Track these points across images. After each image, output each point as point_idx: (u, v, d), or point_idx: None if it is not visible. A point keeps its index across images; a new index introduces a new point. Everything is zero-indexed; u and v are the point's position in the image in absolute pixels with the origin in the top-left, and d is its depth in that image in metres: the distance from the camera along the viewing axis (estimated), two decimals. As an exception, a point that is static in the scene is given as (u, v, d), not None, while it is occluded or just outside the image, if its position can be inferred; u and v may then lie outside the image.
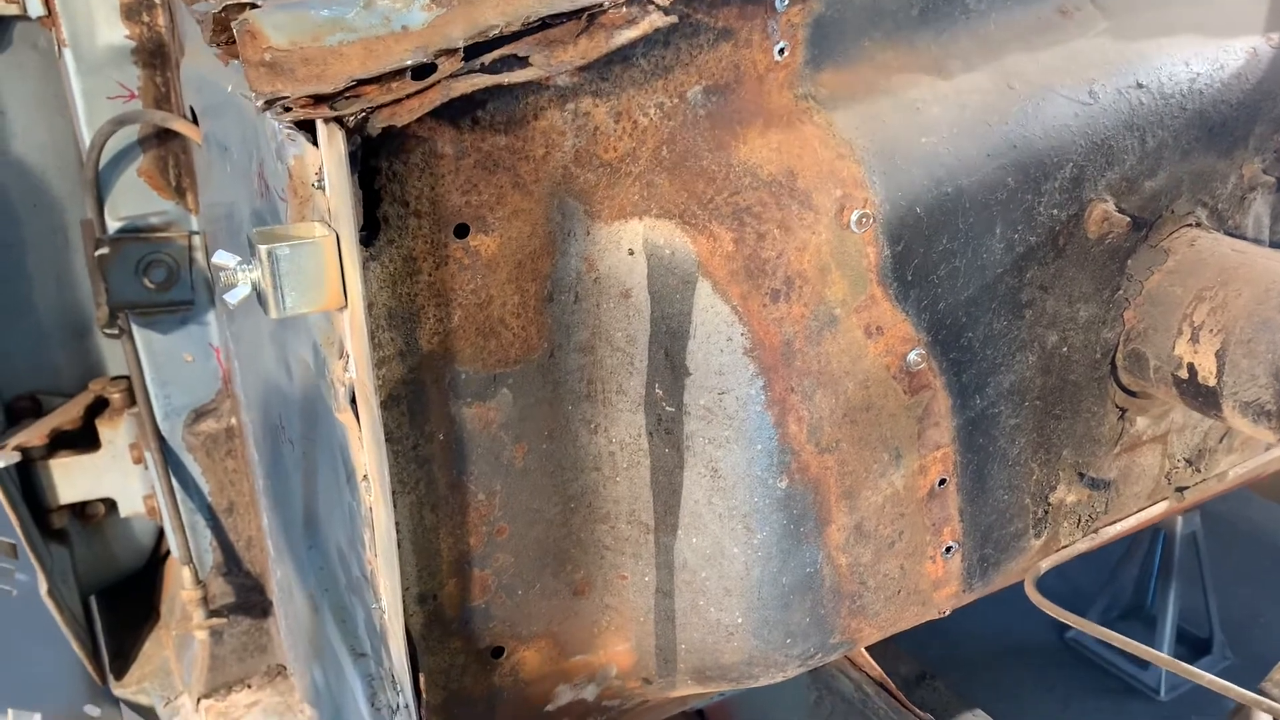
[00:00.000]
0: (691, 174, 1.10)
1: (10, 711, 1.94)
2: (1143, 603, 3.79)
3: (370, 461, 1.04)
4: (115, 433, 1.86)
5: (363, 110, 0.94)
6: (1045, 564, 1.42)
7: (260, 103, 0.97)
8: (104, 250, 1.58)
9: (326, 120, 0.93)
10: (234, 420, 1.75)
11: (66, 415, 1.85)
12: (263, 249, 0.95)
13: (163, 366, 1.72)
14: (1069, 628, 3.83)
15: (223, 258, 0.98)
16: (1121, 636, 1.35)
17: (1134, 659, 3.67)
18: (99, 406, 1.87)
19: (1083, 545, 1.47)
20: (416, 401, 1.09)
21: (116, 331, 1.64)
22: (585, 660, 1.29)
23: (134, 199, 1.63)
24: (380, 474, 1.03)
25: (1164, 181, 1.33)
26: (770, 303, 1.11)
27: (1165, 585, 3.70)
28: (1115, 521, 1.51)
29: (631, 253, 1.12)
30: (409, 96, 0.96)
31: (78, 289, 1.82)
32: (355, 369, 1.03)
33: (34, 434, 1.82)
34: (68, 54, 1.55)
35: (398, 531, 1.06)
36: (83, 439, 1.88)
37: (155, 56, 1.57)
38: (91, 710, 2.04)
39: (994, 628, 3.71)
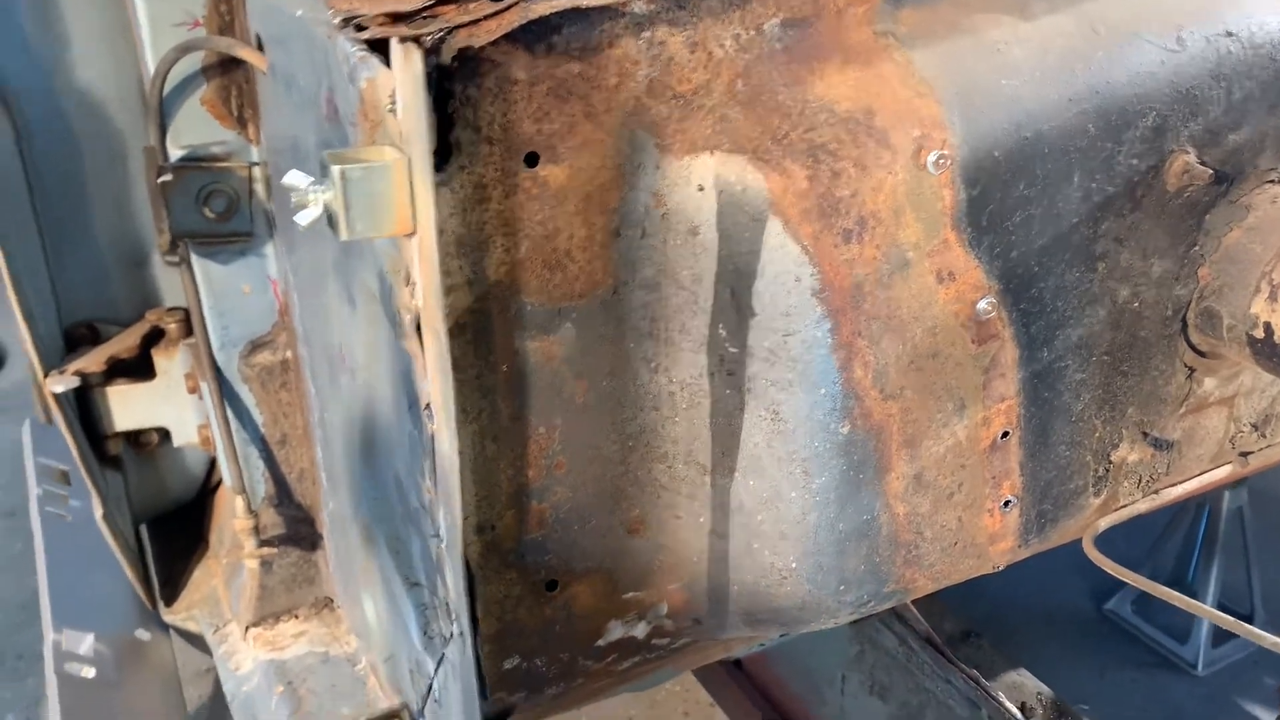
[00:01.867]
0: (766, 109, 1.08)
1: (65, 631, 1.99)
2: (1184, 576, 3.75)
3: (435, 389, 1.04)
4: (171, 363, 1.88)
5: (440, 30, 0.93)
6: (1104, 522, 1.40)
7: (337, 20, 0.96)
8: (166, 177, 1.58)
9: (403, 40, 0.92)
10: (289, 353, 1.76)
11: (124, 343, 1.87)
12: (335, 170, 0.95)
13: (220, 297, 1.72)
14: (1107, 599, 3.81)
15: (295, 178, 0.98)
16: (1183, 596, 1.33)
17: (1172, 634, 3.64)
18: (155, 336, 1.89)
19: (1142, 505, 1.45)
20: (482, 331, 1.09)
21: (177, 259, 1.65)
22: (637, 598, 1.29)
23: (196, 128, 1.63)
24: (444, 402, 1.03)
25: (1248, 135, 1.29)
26: (842, 243, 1.09)
27: (1208, 559, 3.66)
28: (1176, 484, 1.49)
29: (701, 189, 1.10)
30: (487, 18, 0.94)
31: (137, 219, 1.83)
32: (423, 296, 1.02)
33: (92, 361, 1.84)
34: (134, -21, 1.55)
35: (459, 460, 1.06)
36: (139, 368, 1.90)
37: (220, -16, 1.56)
38: (142, 634, 2.09)
39: (1032, 595, 3.70)
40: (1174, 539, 3.78)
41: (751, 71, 1.08)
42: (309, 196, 0.97)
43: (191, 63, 1.59)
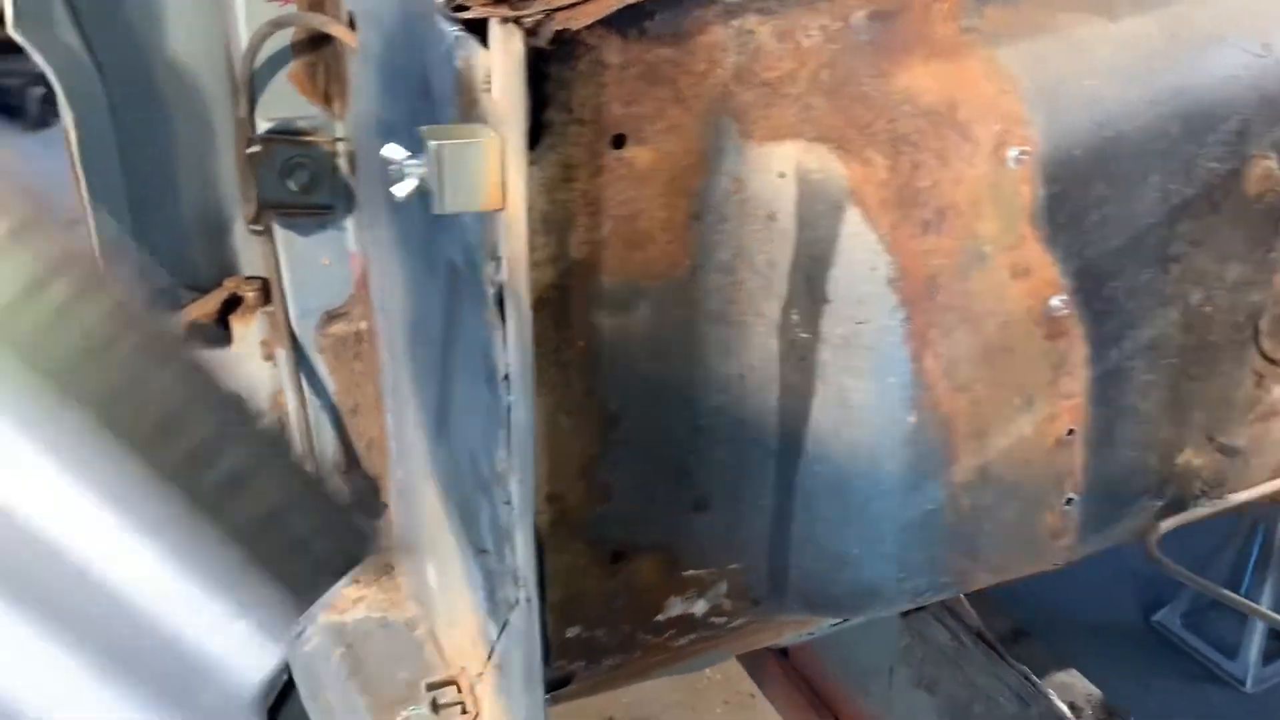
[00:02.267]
0: (850, 99, 1.10)
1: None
2: (1235, 591, 3.70)
3: (514, 362, 1.08)
4: (247, 330, 1.94)
5: (539, 13, 0.96)
6: (1166, 525, 1.40)
7: (439, 0, 0.99)
8: (255, 149, 1.63)
9: (504, 21, 0.95)
10: (364, 324, 1.80)
11: (203, 309, 1.93)
12: (432, 145, 0.98)
13: (300, 268, 1.77)
14: (1156, 610, 3.77)
15: (393, 151, 1.02)
16: (1242, 599, 1.33)
17: (1222, 649, 3.60)
18: (233, 303, 1.94)
19: (1204, 511, 1.45)
20: (562, 307, 1.12)
21: (261, 229, 1.70)
22: (698, 575, 1.32)
23: (283, 102, 1.67)
24: (523, 374, 1.06)
25: (1332, 143, 1.29)
26: (920, 234, 1.10)
27: (1261, 576, 3.60)
28: (1240, 491, 1.48)
29: (782, 175, 1.13)
30: (584, 1, 0.97)
31: (220, 189, 1.88)
32: (508, 271, 1.05)
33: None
34: (231, -45, 1.60)
35: (533, 432, 1.09)
36: (215, 334, 1.95)
37: (313, -38, 1.60)
38: (207, 592, 2.15)
39: (1079, 602, 3.67)
40: (1227, 555, 3.73)
41: (837, 62, 1.10)
42: (405, 169, 1.01)
43: (281, 38, 1.64)
